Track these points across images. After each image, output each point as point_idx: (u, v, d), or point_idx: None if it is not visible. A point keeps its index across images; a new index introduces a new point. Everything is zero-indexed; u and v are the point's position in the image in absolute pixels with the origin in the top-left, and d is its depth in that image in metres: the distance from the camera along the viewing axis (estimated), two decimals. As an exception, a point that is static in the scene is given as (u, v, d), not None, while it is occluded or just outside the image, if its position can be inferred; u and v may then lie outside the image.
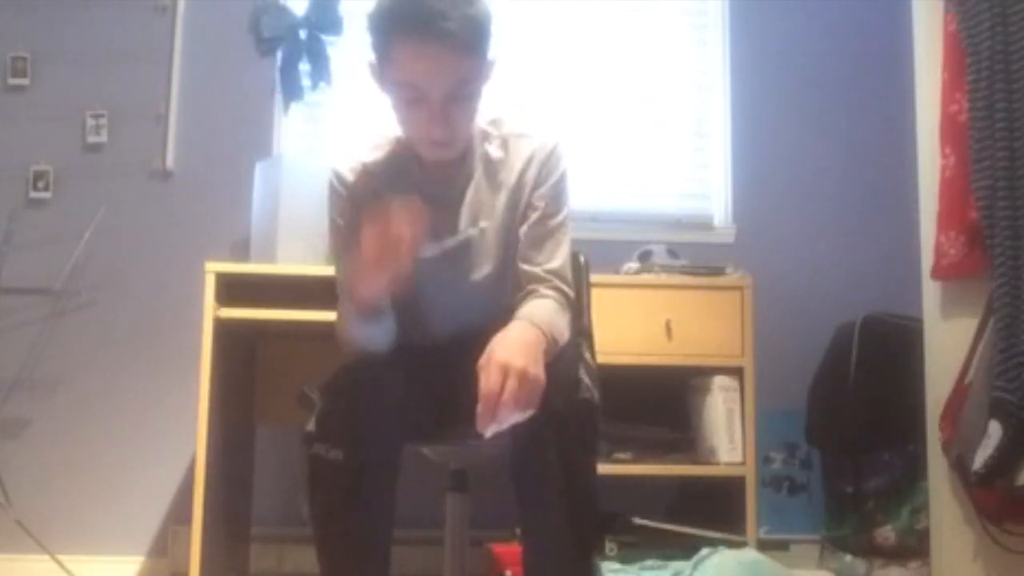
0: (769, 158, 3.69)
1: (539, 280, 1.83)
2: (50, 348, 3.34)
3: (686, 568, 2.69)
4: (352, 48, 3.14)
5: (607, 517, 2.89)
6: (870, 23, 3.70)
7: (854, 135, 3.72)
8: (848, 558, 3.18)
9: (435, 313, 1.88)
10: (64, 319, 3.35)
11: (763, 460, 3.39)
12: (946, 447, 2.49)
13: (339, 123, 3.56)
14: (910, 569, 3.07)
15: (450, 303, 1.87)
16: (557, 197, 1.88)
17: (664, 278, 3.16)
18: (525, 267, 1.85)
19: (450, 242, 1.84)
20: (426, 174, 1.86)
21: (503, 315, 1.70)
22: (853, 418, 3.22)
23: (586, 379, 1.69)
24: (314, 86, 3.23)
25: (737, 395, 3.06)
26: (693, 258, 3.27)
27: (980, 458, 2.30)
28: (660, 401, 3.17)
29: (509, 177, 1.87)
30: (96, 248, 3.34)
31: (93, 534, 3.23)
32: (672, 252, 3.27)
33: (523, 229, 1.87)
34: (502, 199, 1.87)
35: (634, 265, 3.23)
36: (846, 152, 3.72)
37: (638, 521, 2.95)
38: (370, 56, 1.76)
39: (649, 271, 3.20)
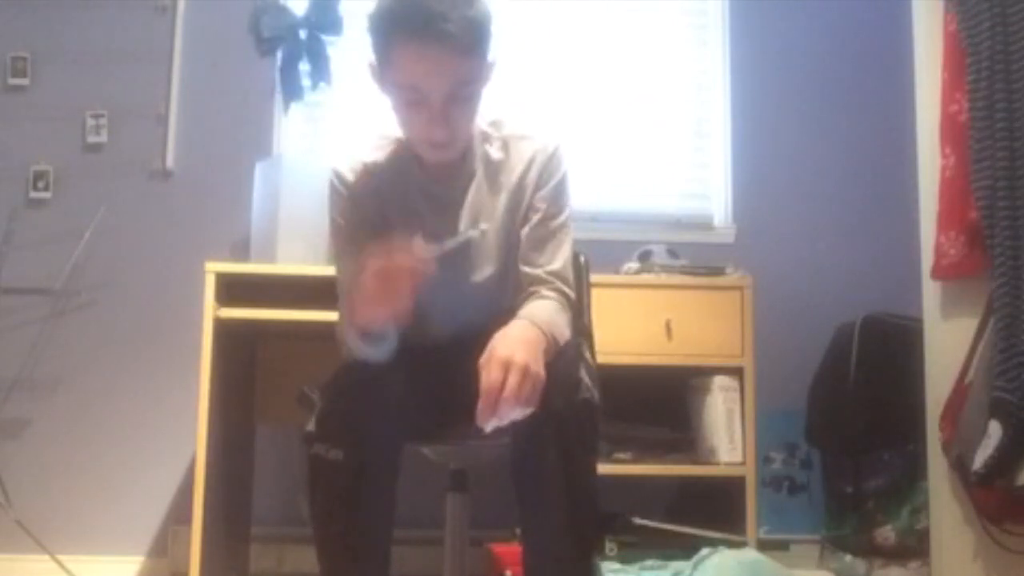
0: (769, 158, 3.69)
1: (540, 282, 1.83)
2: (50, 348, 3.34)
3: (686, 568, 2.69)
4: (352, 48, 3.14)
5: (607, 517, 2.89)
6: (870, 23, 3.70)
7: (854, 135, 3.72)
8: (848, 558, 3.18)
9: (435, 314, 1.88)
10: (64, 319, 3.35)
11: (763, 460, 3.39)
12: (946, 447, 2.49)
13: (339, 123, 3.56)
14: (910, 569, 3.07)
15: (450, 304, 1.87)
16: (558, 199, 1.88)
17: (664, 278, 3.16)
18: (526, 269, 1.85)
19: (450, 243, 1.84)
20: (426, 175, 1.87)
21: (504, 316, 1.70)
22: (853, 418, 3.22)
23: (586, 379, 1.69)
24: (314, 86, 3.23)
25: (737, 395, 3.06)
26: (693, 258, 3.27)
27: (980, 458, 2.30)
28: (660, 401, 3.17)
29: (510, 179, 1.87)
30: (96, 248, 3.34)
31: (93, 534, 3.23)
32: (672, 252, 3.27)
33: (524, 231, 1.87)
34: (503, 201, 1.87)
35: (634, 265, 3.23)
36: (846, 152, 3.72)
37: (638, 521, 2.95)
38: (370, 57, 1.76)
39: (649, 271, 3.20)
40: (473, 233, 1.86)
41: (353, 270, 1.81)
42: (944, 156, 2.52)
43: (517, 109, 2.85)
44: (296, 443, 1.70)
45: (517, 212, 1.87)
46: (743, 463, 3.02)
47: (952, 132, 2.50)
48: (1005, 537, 2.39)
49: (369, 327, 1.65)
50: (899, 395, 2.89)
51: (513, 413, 1.53)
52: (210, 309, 2.76)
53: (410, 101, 1.72)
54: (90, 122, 3.43)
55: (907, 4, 2.74)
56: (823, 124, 3.73)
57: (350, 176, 1.87)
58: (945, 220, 2.51)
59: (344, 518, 1.64)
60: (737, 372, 3.07)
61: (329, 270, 2.15)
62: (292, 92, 3.21)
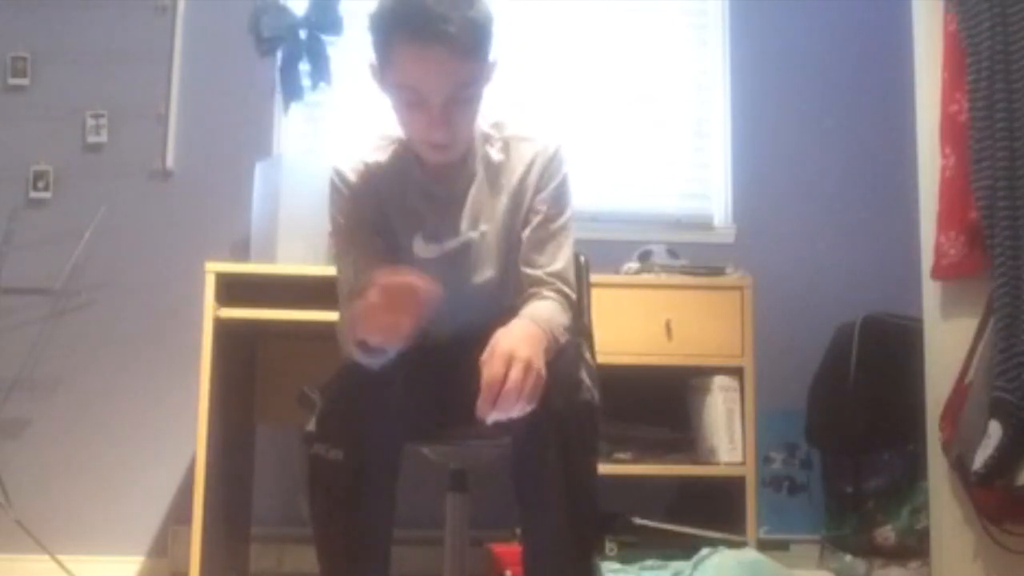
0: (769, 158, 3.69)
1: (541, 283, 1.83)
2: (50, 348, 3.34)
3: (686, 568, 2.69)
4: (352, 48, 3.14)
5: (607, 517, 2.89)
6: (870, 23, 3.70)
7: (854, 135, 3.72)
8: (848, 558, 3.18)
9: (436, 315, 1.88)
10: (64, 319, 3.35)
11: (763, 460, 3.39)
12: (946, 447, 2.49)
13: (339, 123, 3.56)
14: (910, 569, 3.07)
15: (451, 305, 1.86)
16: (559, 200, 1.88)
17: (664, 278, 3.16)
18: (527, 270, 1.85)
19: (450, 244, 1.84)
20: (427, 175, 1.86)
21: (504, 316, 1.70)
22: (853, 418, 3.22)
23: (586, 379, 1.69)
24: (314, 86, 3.22)
25: (737, 395, 3.06)
26: (693, 258, 3.27)
27: (980, 458, 2.30)
28: (660, 401, 3.17)
29: (510, 180, 1.87)
30: (96, 248, 3.34)
31: (93, 534, 3.23)
32: (672, 252, 3.27)
33: (525, 232, 1.87)
34: (503, 202, 1.87)
35: (634, 265, 3.23)
36: (846, 152, 3.72)
37: (638, 521, 2.95)
38: (371, 57, 1.76)
39: (649, 271, 3.20)
40: (473, 235, 1.86)
41: (353, 271, 1.81)
42: (944, 156, 2.52)
43: (518, 110, 2.85)
44: (296, 443, 1.70)
45: (518, 214, 1.87)
46: (743, 463, 3.02)
47: (952, 132, 2.50)
48: (1005, 537, 2.38)
49: (368, 342, 1.63)
50: (899, 395, 2.89)
51: (514, 409, 1.52)
52: (210, 309, 2.76)
53: (410, 102, 1.72)
54: (90, 122, 3.43)
55: (907, 4, 2.74)
56: (823, 124, 3.73)
57: (351, 175, 1.87)
58: (945, 220, 2.51)
59: (344, 518, 1.64)
60: (737, 372, 3.07)
61: (329, 270, 2.15)
62: (292, 92, 3.21)
